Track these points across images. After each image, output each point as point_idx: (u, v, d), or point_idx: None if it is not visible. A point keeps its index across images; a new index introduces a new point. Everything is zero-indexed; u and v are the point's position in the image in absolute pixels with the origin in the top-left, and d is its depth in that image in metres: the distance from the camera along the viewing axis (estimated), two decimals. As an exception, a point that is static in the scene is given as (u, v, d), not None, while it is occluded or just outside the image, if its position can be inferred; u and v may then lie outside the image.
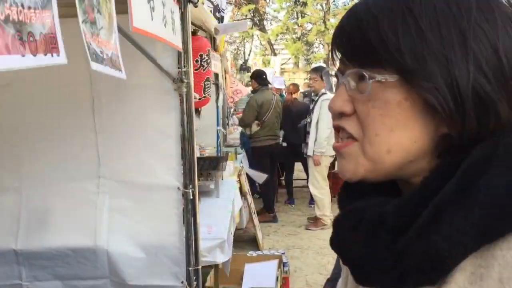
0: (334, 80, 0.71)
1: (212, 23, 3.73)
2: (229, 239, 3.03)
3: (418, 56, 0.58)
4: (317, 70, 6.23)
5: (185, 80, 2.42)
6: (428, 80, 0.58)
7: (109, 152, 2.50)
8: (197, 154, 4.89)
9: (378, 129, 0.62)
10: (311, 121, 5.99)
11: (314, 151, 5.93)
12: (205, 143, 5.57)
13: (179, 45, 2.24)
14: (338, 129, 0.68)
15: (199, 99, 3.17)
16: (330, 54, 0.70)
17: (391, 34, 0.59)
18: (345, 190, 0.75)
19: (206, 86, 3.23)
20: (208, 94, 3.26)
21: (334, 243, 0.71)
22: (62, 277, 2.60)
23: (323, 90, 6.20)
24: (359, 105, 0.64)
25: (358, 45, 0.63)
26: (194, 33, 2.97)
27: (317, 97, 6.10)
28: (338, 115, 0.67)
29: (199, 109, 3.39)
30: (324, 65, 12.66)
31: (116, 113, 2.45)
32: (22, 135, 2.56)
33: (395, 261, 0.60)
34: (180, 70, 2.41)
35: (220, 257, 2.89)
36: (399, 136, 0.62)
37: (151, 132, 2.44)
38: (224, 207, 3.65)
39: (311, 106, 6.17)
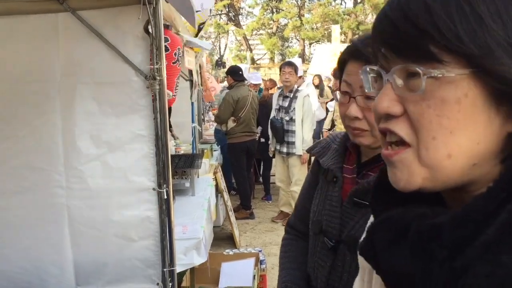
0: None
1: (180, 23, 3.65)
2: (205, 239, 2.98)
3: (482, 44, 0.53)
4: (291, 64, 6.13)
5: (158, 77, 2.36)
6: (498, 68, 0.53)
7: (75, 155, 2.38)
8: (172, 151, 4.86)
9: (435, 131, 0.56)
10: (291, 119, 5.90)
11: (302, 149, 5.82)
12: (181, 140, 5.50)
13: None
14: (384, 132, 0.62)
15: (173, 96, 3.10)
16: (372, 50, 0.64)
17: (448, 21, 0.54)
18: (376, 192, 0.70)
19: (177, 84, 3.16)
20: (176, 93, 3.18)
21: (368, 252, 0.65)
22: None
23: (297, 86, 6.17)
24: (410, 105, 0.58)
25: (407, 36, 0.57)
26: (167, 27, 2.89)
27: (291, 93, 6.00)
28: (384, 117, 0.61)
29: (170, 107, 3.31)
30: (299, 59, 12.60)
31: (84, 113, 2.35)
32: None
33: (452, 280, 0.53)
34: (152, 67, 2.35)
35: (197, 259, 2.85)
36: (460, 138, 0.56)
37: (123, 132, 2.37)
38: (200, 205, 3.60)
39: (286, 103, 6.03)
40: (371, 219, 0.74)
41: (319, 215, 1.45)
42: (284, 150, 5.99)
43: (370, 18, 25.25)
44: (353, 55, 1.28)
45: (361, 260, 0.78)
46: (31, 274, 2.41)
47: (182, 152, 5.10)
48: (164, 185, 2.44)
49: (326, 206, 1.43)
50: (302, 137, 5.85)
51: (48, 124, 2.34)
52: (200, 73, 7.16)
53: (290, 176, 6.10)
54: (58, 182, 2.36)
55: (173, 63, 2.97)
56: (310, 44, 29.22)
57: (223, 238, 5.74)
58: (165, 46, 2.73)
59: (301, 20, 27.05)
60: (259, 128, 7.03)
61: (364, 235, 0.69)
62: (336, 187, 1.41)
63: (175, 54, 2.91)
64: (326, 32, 25.49)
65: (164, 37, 2.43)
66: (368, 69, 0.65)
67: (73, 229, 2.39)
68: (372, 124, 1.25)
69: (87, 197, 2.38)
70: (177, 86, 3.16)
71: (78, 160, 2.37)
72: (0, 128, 2.34)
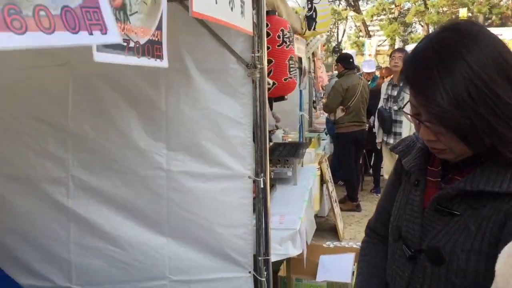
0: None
1: (283, 10, 3.57)
2: (302, 230, 2.93)
3: None
4: (403, 50, 5.77)
5: (259, 66, 2.34)
6: None
7: (176, 140, 2.44)
8: (279, 139, 4.86)
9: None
10: (400, 109, 5.58)
11: None
12: (288, 128, 5.49)
13: (249, 29, 2.15)
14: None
15: (285, 79, 3.00)
16: None
17: None
18: None
19: (291, 66, 3.06)
20: (294, 75, 3.09)
21: None
22: (117, 281, 2.56)
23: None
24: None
25: None
26: (268, 13, 2.82)
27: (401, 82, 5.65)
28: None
29: (285, 97, 3.22)
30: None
31: (185, 100, 2.40)
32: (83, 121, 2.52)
33: None
34: (253, 55, 2.33)
35: (292, 250, 2.80)
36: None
37: (222, 119, 2.38)
38: (301, 195, 3.55)
39: (395, 92, 5.69)
40: None
41: (399, 220, 1.33)
42: (391, 141, 5.69)
43: (506, 0, 23.00)
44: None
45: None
46: (127, 255, 2.52)
47: (289, 140, 5.09)
48: (262, 174, 2.42)
49: (406, 211, 1.30)
50: (410, 128, 5.51)
51: (153, 108, 2.43)
52: (313, 60, 7.08)
53: (398, 169, 5.79)
54: (160, 164, 2.44)
55: (278, 46, 2.90)
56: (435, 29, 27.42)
57: (326, 229, 5.65)
58: (266, 31, 2.69)
59: (426, 4, 25.49)
60: (372, 118, 6.76)
61: None
62: (418, 191, 1.28)
63: (278, 37, 2.85)
64: (453, 16, 23.75)
65: (265, 23, 2.39)
66: None
67: (171, 211, 2.47)
68: (447, 144, 1.14)
69: (185, 180, 2.44)
70: (292, 68, 3.05)
71: (179, 144, 2.43)
72: (106, 110, 2.47)
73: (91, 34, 0.85)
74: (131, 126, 2.44)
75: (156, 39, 1.24)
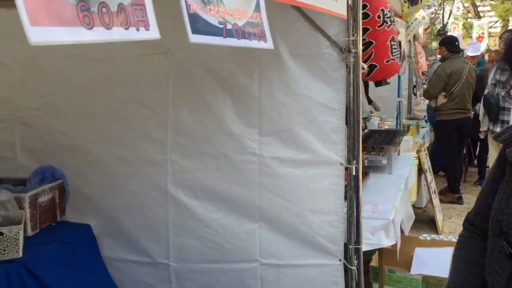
0: None
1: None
2: (396, 220, 2.83)
3: None
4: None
5: (353, 50, 2.28)
6: None
7: (268, 126, 2.46)
8: (374, 126, 4.73)
9: None
10: (509, 95, 5.14)
11: None
12: (384, 115, 5.32)
13: (342, 12, 2.10)
14: None
15: (387, 61, 2.88)
16: None
17: None
18: None
19: (393, 47, 2.92)
20: (397, 57, 2.95)
21: None
22: (210, 260, 2.64)
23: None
24: None
25: None
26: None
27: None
28: None
29: (388, 80, 3.07)
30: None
31: (277, 86, 2.41)
32: (171, 106, 2.62)
33: None
34: (348, 39, 2.27)
35: (385, 241, 2.72)
36: None
37: (314, 105, 2.36)
38: (396, 184, 3.43)
39: (504, 77, 5.22)
40: None
41: (500, 214, 1.23)
42: (498, 130, 5.26)
43: None
44: None
45: None
46: (220, 237, 2.60)
47: (386, 127, 4.93)
48: (354, 161, 2.38)
49: (509, 204, 1.20)
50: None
51: (246, 93, 2.47)
52: (414, 44, 6.75)
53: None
54: (252, 149, 2.49)
55: (379, 26, 2.78)
56: (556, 8, 24.91)
57: (423, 221, 5.40)
58: (365, 13, 2.60)
59: (544, -19, 23.16)
60: (478, 105, 6.31)
61: None
62: None
63: (378, 17, 2.73)
64: None
65: (362, 4, 2.31)
66: None
67: (262, 196, 2.51)
68: None
69: (277, 166, 2.46)
70: (394, 49, 2.92)
71: (271, 129, 2.46)
72: (202, 96, 2.55)
73: (137, 30, 0.89)
74: (225, 111, 2.51)
75: (256, 21, 1.25)
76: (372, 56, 2.77)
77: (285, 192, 2.47)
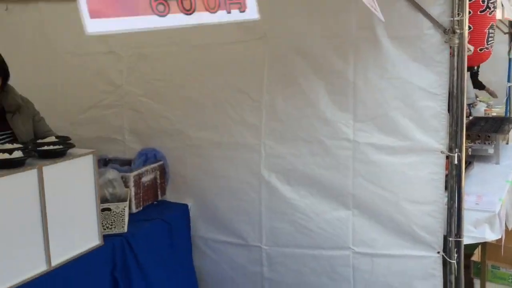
0: None
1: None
2: (502, 214, 2.64)
3: None
4: None
5: (458, 31, 2.14)
6: None
7: (363, 111, 2.40)
8: (480, 113, 4.42)
9: None
10: None
11: None
12: (494, 102, 4.96)
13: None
14: None
15: (480, 50, 2.74)
16: None
17: None
18: None
19: (490, 35, 2.76)
20: (491, 46, 2.79)
21: None
22: (301, 245, 2.64)
23: None
24: None
25: None
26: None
27: None
28: None
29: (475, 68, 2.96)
30: None
31: (373, 70, 2.34)
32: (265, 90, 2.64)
33: None
34: (453, 19, 2.14)
35: (489, 235, 2.55)
36: None
37: (413, 89, 2.26)
38: (503, 175, 3.21)
39: None
40: None
41: None
42: None
43: None
44: None
45: None
46: (312, 223, 2.59)
47: (493, 114, 4.60)
48: (456, 150, 2.25)
49: None
50: None
51: (341, 77, 2.42)
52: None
53: None
54: (346, 134, 2.44)
55: (481, 11, 2.63)
56: None
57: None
58: (470, -7, 2.44)
59: None
60: None
61: None
62: None
63: (482, 1, 2.57)
64: None
65: (468, -17, 2.17)
66: None
67: (356, 183, 2.47)
68: None
69: (372, 152, 2.40)
70: (491, 37, 2.78)
71: (366, 115, 2.40)
72: (296, 81, 2.54)
73: (229, 13, 0.88)
74: (319, 96, 2.48)
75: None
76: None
77: (380, 179, 2.40)
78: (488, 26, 2.76)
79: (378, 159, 2.39)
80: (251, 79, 2.66)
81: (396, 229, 2.41)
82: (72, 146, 2.14)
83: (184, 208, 2.90)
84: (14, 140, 2.53)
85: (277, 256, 2.72)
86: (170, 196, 2.99)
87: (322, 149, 2.51)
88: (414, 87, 2.26)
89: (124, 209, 2.43)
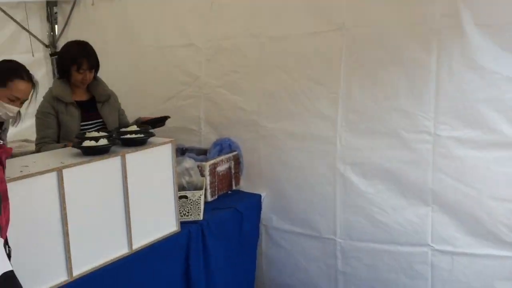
0: None
1: None
2: None
3: None
4: None
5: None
6: None
7: (446, 103, 2.29)
8: None
9: None
10: None
11: None
12: None
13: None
14: None
15: None
16: None
17: None
18: None
19: None
20: None
21: None
22: (377, 240, 2.58)
23: None
24: None
25: None
26: None
27: None
28: None
29: None
30: None
31: (458, 60, 2.23)
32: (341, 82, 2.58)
33: None
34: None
35: None
36: None
37: (501, 80, 2.12)
38: None
39: None
40: None
41: None
42: None
43: None
44: None
45: None
46: (389, 218, 2.53)
47: None
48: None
49: None
50: None
51: (422, 68, 2.33)
52: None
53: None
54: (426, 127, 2.35)
55: None
56: None
57: None
58: None
59: None
60: None
61: None
62: None
63: None
64: None
65: None
66: None
67: (436, 178, 2.37)
68: None
69: (454, 146, 2.29)
70: None
71: (449, 107, 2.28)
72: (374, 72, 2.47)
73: None
74: (398, 87, 2.40)
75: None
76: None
77: (463, 175, 2.29)
78: None
79: (460, 153, 2.28)
80: (328, 70, 2.63)
81: (479, 227, 2.29)
82: (152, 135, 2.23)
83: (257, 198, 2.94)
84: (104, 128, 2.69)
85: (352, 250, 2.68)
86: (244, 186, 3.04)
87: (400, 142, 2.43)
88: (502, 78, 2.12)
89: (200, 197, 2.50)
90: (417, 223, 2.45)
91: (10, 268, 1.31)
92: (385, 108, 2.46)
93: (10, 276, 1.30)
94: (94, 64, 2.69)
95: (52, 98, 2.64)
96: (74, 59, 2.62)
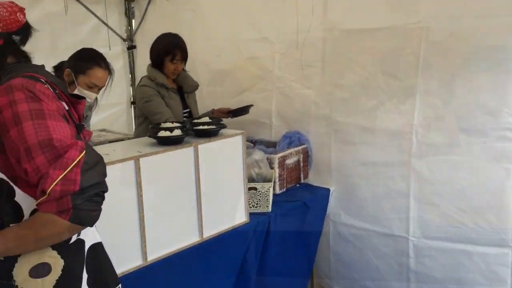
0: None
1: None
2: None
3: None
4: None
5: None
6: None
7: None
8: None
9: None
10: None
11: None
12: None
13: None
14: None
15: None
16: None
17: None
18: None
19: None
20: None
21: None
22: (453, 240, 2.47)
23: None
24: None
25: None
26: None
27: None
28: None
29: None
30: None
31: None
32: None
33: None
34: None
35: None
36: None
37: None
38: None
39: None
40: None
41: None
42: None
43: None
44: None
45: None
46: (467, 217, 2.41)
47: None
48: None
49: None
50: None
51: (506, 61, 2.20)
52: None
53: None
54: (510, 124, 2.21)
55: None
56: None
57: None
58: None
59: None
60: None
61: None
62: None
63: None
64: None
65: None
66: None
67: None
68: None
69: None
70: None
71: None
72: (452, 66, 2.36)
73: None
74: (479, 82, 2.28)
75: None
76: None
77: None
78: None
79: None
80: (405, 65, 2.53)
81: None
82: (223, 126, 2.27)
83: (325, 193, 2.91)
84: (190, 117, 2.83)
85: (425, 249, 2.58)
86: (313, 179, 3.02)
87: (481, 139, 2.30)
88: None
89: (269, 189, 2.51)
90: (497, 224, 2.32)
91: (98, 240, 1.39)
92: (464, 103, 2.34)
93: (99, 246, 1.39)
94: (185, 56, 2.85)
95: (155, 84, 2.79)
96: (169, 50, 2.77)
